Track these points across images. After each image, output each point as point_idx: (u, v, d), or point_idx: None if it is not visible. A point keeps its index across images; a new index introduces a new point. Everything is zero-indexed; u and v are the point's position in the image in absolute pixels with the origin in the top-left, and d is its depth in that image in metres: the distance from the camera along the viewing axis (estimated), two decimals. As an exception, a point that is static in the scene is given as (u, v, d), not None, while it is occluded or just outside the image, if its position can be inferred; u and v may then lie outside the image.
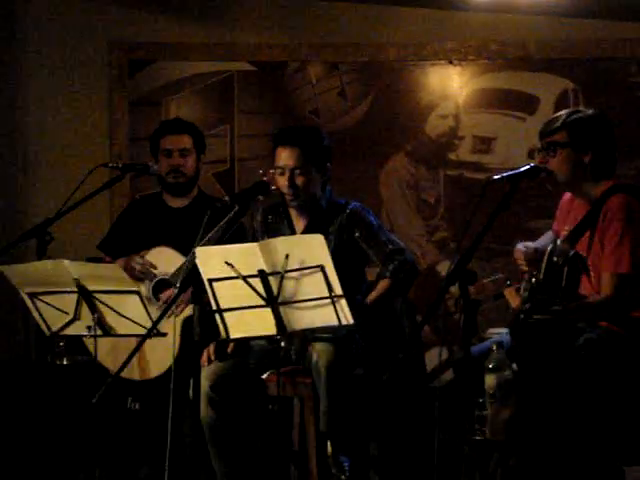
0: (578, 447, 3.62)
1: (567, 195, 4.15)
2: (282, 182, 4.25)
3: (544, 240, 4.07)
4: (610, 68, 5.67)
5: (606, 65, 5.68)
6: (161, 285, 4.47)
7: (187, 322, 4.36)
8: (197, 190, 4.86)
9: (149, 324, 3.85)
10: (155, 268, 4.53)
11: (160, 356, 4.36)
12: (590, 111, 4.04)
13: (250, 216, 4.45)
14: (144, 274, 4.54)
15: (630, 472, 3.76)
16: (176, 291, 3.96)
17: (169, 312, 4.19)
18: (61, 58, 5.74)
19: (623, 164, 5.09)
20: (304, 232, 4.28)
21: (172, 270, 4.41)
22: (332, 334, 4.04)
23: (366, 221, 4.29)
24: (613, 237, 3.85)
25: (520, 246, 3.99)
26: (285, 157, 4.25)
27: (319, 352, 4.06)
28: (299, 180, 4.24)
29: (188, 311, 4.38)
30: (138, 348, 3.71)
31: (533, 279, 3.73)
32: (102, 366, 4.41)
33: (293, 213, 4.37)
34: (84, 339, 4.44)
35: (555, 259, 3.85)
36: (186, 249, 4.40)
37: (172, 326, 4.23)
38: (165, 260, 4.51)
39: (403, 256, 4.23)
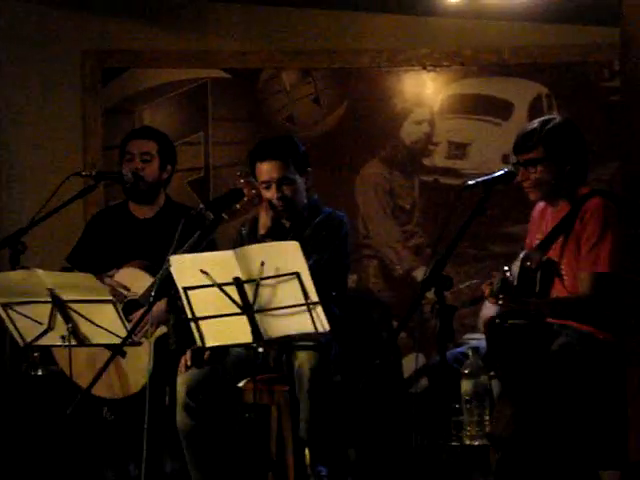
0: (554, 451, 3.63)
1: (539, 206, 4.15)
2: (271, 195, 4.26)
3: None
4: (583, 73, 5.68)
5: (579, 70, 5.69)
6: (131, 306, 4.42)
7: (160, 341, 4.34)
8: (164, 199, 4.80)
9: (124, 333, 3.84)
10: (127, 289, 4.47)
11: (134, 376, 4.34)
12: (559, 119, 4.03)
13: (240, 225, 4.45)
14: (114, 295, 4.49)
15: (605, 476, 3.77)
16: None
17: (138, 332, 4.17)
18: (33, 67, 5.71)
19: (597, 169, 5.13)
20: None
21: (141, 291, 4.38)
22: (313, 341, 4.03)
23: (335, 227, 4.28)
24: (590, 237, 3.85)
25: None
26: (268, 171, 4.25)
27: (302, 359, 4.05)
28: (287, 190, 4.26)
29: (160, 331, 4.36)
30: (108, 363, 3.69)
31: (506, 273, 3.76)
32: (77, 385, 4.37)
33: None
34: (57, 360, 4.43)
35: (528, 264, 3.87)
36: (154, 261, 4.37)
37: (146, 344, 4.21)
38: (134, 280, 4.46)
39: (314, 265, 4.04)
